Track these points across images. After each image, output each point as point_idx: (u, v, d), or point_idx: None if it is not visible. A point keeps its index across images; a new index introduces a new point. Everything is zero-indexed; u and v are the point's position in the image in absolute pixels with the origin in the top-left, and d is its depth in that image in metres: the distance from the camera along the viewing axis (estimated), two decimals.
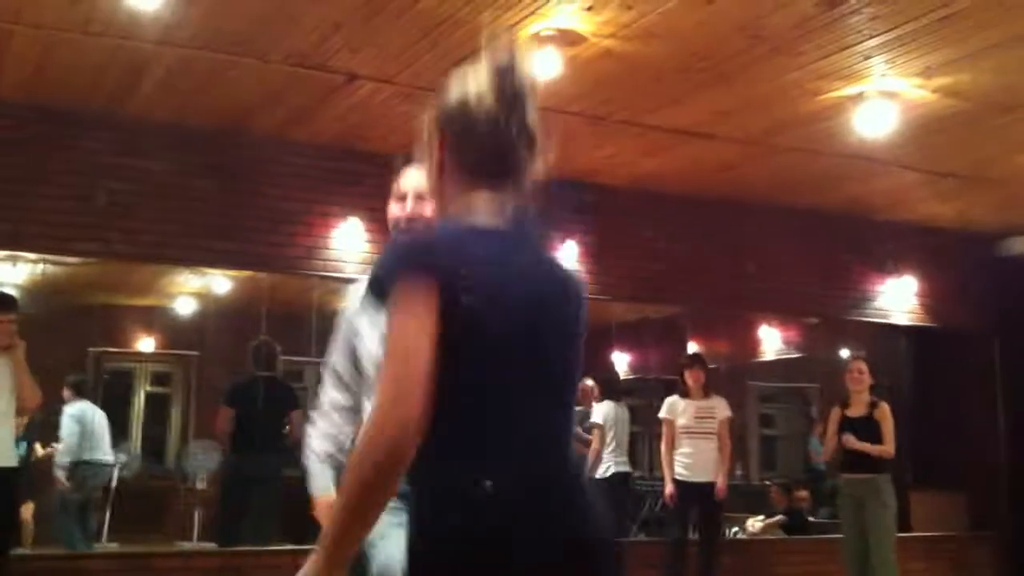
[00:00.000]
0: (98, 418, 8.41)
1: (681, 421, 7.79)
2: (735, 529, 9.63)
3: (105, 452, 8.42)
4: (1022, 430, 9.55)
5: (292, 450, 8.50)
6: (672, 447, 7.80)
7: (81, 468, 8.22)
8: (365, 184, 7.66)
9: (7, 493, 5.86)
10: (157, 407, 10.24)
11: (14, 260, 7.72)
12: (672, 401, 7.92)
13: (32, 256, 7.45)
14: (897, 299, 9.65)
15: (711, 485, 7.67)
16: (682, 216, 8.70)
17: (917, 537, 9.29)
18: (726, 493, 7.84)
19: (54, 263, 7.76)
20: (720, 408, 7.91)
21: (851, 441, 6.83)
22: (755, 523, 10.30)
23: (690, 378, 7.88)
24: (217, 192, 7.29)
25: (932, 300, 9.76)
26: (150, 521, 9.08)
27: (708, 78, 6.22)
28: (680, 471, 7.71)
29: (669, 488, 7.73)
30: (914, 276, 9.68)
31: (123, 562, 7.16)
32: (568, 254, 8.12)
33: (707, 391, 7.92)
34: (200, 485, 9.06)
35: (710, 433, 7.77)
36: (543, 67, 5.49)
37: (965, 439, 9.65)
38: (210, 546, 7.89)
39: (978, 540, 9.64)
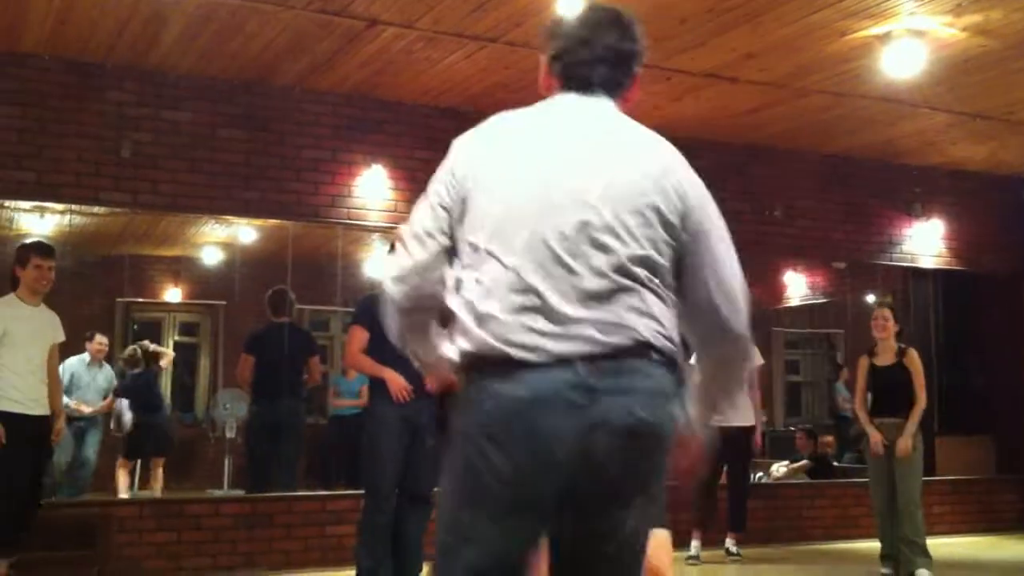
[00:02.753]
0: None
1: None
2: (760, 474, 9.67)
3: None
4: None
5: (311, 396, 8.63)
6: None
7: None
8: (388, 132, 7.66)
9: (39, 441, 5.95)
10: (186, 357, 10.33)
11: (41, 211, 7.76)
12: None
13: (59, 207, 7.49)
14: (924, 242, 9.57)
15: (740, 431, 7.68)
16: (707, 161, 8.54)
17: (943, 481, 9.30)
18: (761, 443, 7.91)
19: (81, 214, 7.80)
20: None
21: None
22: (780, 468, 10.33)
23: None
24: (241, 142, 7.30)
25: (960, 243, 9.68)
26: (181, 469, 9.21)
27: (733, 19, 6.14)
28: None
29: None
30: (942, 219, 9.60)
31: (156, 508, 7.27)
32: None
33: None
34: (229, 433, 9.17)
35: None
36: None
37: (992, 383, 9.61)
38: (239, 493, 7.99)
39: (1004, 483, 9.63)
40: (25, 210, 7.77)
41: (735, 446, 7.69)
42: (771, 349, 11.56)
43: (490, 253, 2.05)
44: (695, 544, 7.54)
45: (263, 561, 6.97)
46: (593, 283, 2.01)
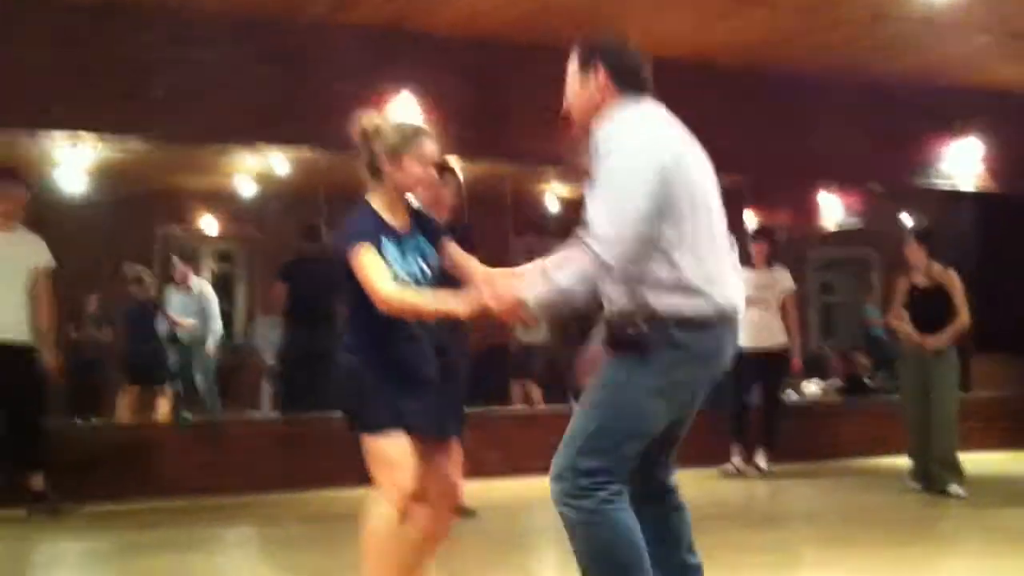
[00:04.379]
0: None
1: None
2: (793, 394, 9.73)
3: None
4: None
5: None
6: None
7: None
8: (417, 63, 7.63)
9: (25, 365, 6.09)
10: (223, 285, 10.50)
11: (74, 141, 7.81)
12: None
13: (94, 141, 7.56)
14: (962, 163, 9.45)
15: (771, 351, 7.77)
16: (742, 87, 8.54)
17: (977, 398, 9.32)
18: (800, 366, 7.99)
19: (116, 148, 7.88)
20: (783, 279, 7.96)
21: (928, 342, 6.65)
22: (811, 387, 10.38)
23: (754, 250, 7.92)
24: (269, 78, 7.27)
25: (998, 165, 9.55)
26: (222, 394, 9.41)
27: None
28: (740, 339, 7.76)
29: None
30: (980, 139, 9.46)
31: (195, 431, 7.46)
32: None
33: (771, 262, 7.96)
34: (268, 360, 9.34)
35: (771, 302, 7.84)
36: None
37: None
38: (276, 416, 8.17)
39: None
40: (63, 144, 7.85)
41: (771, 366, 7.79)
42: (806, 271, 11.57)
43: (688, 232, 2.80)
44: (736, 459, 7.80)
45: (301, 480, 7.14)
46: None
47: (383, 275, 3.11)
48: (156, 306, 9.11)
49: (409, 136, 3.27)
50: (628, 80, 2.94)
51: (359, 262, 3.12)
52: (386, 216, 3.27)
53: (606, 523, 2.72)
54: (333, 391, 3.34)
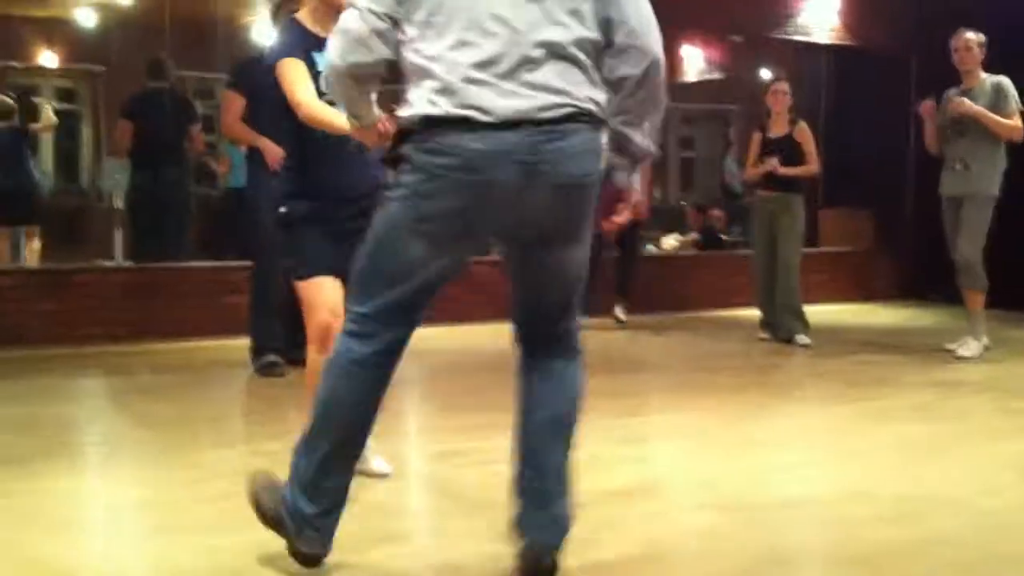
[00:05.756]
0: None
1: None
2: (650, 246, 9.91)
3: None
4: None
5: (196, 166, 8.36)
6: None
7: None
8: None
9: None
10: (66, 125, 9.94)
11: None
12: None
13: None
14: (819, 17, 9.53)
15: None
16: None
17: (823, 252, 9.68)
18: (647, 213, 8.04)
19: None
20: None
21: (776, 166, 6.86)
22: (670, 240, 10.61)
23: None
24: None
25: (853, 19, 9.67)
26: (70, 241, 9.02)
27: None
28: None
29: None
30: None
31: (43, 278, 7.14)
32: None
33: None
34: (118, 203, 8.95)
35: None
36: None
37: (876, 159, 9.86)
38: (129, 264, 7.88)
39: (881, 255, 10.04)
40: None
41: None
42: (666, 126, 11.63)
43: (441, 26, 2.30)
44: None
45: (154, 330, 6.95)
46: (534, 53, 2.29)
47: (303, 85, 3.15)
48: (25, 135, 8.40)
49: None
50: None
51: (282, 75, 3.19)
52: (316, 30, 3.26)
53: (331, 370, 2.45)
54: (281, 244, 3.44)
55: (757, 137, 7.18)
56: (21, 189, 8.22)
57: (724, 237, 10.76)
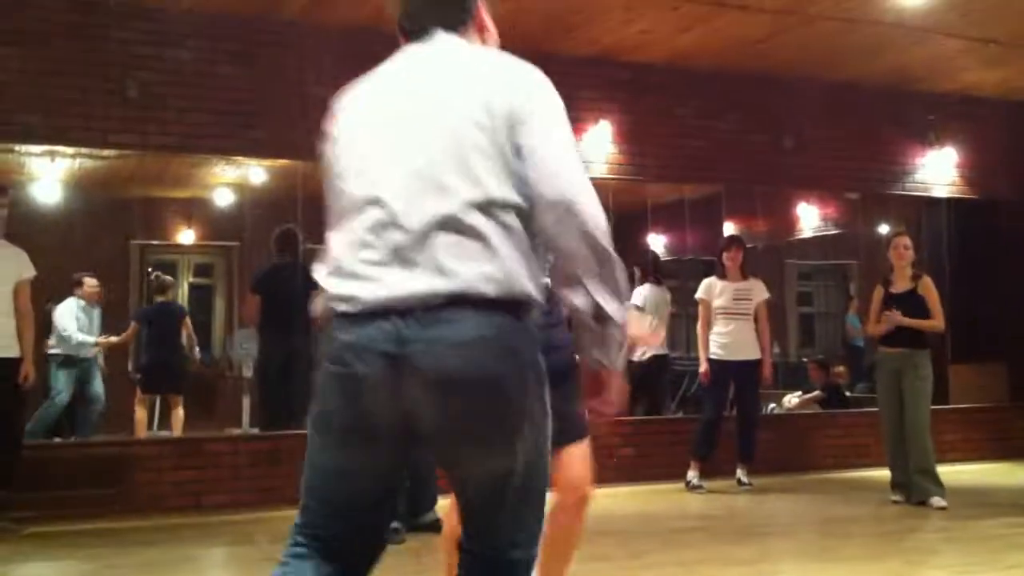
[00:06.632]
0: None
1: (718, 302, 7.81)
2: (772, 405, 9.72)
3: None
4: None
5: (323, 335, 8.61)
6: (708, 327, 7.84)
7: None
8: None
9: (14, 379, 6.01)
10: (201, 298, 10.41)
11: (52, 155, 7.77)
12: (709, 282, 7.93)
13: (69, 151, 7.50)
14: (937, 171, 9.50)
15: (748, 363, 7.73)
16: (717, 92, 8.57)
17: (955, 409, 9.34)
18: (771, 375, 7.93)
19: (90, 157, 7.81)
20: (757, 290, 7.92)
21: (898, 318, 6.72)
22: (792, 399, 10.38)
23: (728, 259, 7.87)
24: (245, 78, 7.28)
25: (973, 171, 9.61)
26: (201, 409, 9.30)
27: None
28: (716, 351, 7.76)
29: (704, 367, 7.80)
30: (954, 147, 9.51)
31: (176, 447, 7.37)
32: (603, 134, 8.06)
33: (745, 273, 7.92)
34: (247, 373, 9.25)
35: (746, 314, 7.81)
36: None
37: (1005, 310, 9.59)
38: (255, 431, 8.08)
39: (1016, 410, 9.65)
40: (35, 154, 7.77)
41: (742, 377, 7.76)
42: (783, 281, 11.56)
43: (337, 207, 2.15)
44: (692, 473, 7.68)
45: (282, 497, 7.05)
46: (414, 230, 1.99)
47: None
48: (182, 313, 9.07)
49: None
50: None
51: None
52: None
53: None
54: None
55: (879, 292, 7.02)
56: (173, 360, 8.78)
57: (848, 394, 10.49)
